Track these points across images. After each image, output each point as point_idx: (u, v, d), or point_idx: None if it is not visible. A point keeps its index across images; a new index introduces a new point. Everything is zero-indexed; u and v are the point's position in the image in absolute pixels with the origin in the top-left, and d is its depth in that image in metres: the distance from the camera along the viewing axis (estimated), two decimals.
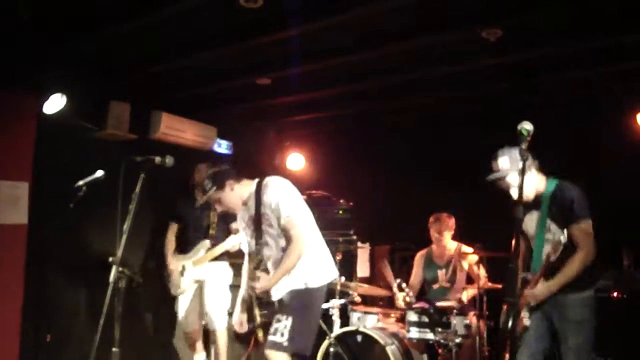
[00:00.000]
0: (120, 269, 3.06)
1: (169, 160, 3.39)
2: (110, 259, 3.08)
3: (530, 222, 3.66)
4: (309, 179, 7.01)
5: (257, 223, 3.76)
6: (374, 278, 6.44)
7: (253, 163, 6.51)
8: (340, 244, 5.67)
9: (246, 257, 4.05)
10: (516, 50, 4.57)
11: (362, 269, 6.31)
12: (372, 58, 4.91)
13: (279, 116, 6.76)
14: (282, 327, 3.58)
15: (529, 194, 3.54)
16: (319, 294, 3.77)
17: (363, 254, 6.35)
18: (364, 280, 5.95)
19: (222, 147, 6.41)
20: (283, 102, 6.15)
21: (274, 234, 3.75)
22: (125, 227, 3.13)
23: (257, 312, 3.79)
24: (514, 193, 3.48)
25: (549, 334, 3.53)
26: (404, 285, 5.18)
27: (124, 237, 3.11)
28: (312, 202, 6.37)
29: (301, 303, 3.67)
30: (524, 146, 2.35)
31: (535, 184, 3.60)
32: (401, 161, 6.64)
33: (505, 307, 2.06)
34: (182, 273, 5.19)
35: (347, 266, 5.69)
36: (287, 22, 4.13)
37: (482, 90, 5.60)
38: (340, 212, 6.29)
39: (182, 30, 4.45)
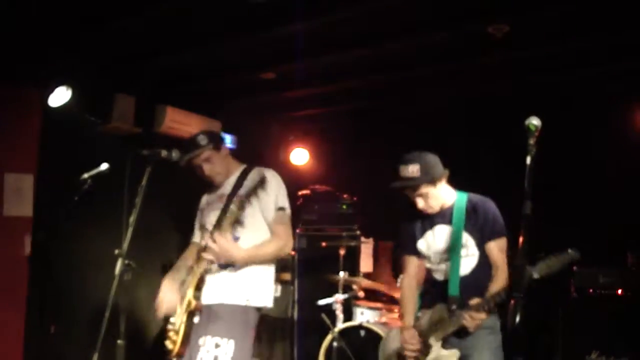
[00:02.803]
0: (126, 261, 3.07)
1: (175, 154, 3.39)
2: (116, 251, 3.09)
3: (438, 237, 3.33)
4: (313, 174, 7.02)
5: (227, 202, 3.22)
6: (378, 273, 6.45)
7: (257, 157, 6.52)
8: (343, 239, 5.67)
9: (188, 249, 3.59)
10: (523, 47, 4.56)
11: (366, 264, 6.30)
12: (377, 53, 4.91)
13: (284, 111, 6.77)
14: (223, 353, 2.91)
15: (434, 208, 3.30)
16: (256, 316, 3.19)
17: (366, 248, 6.34)
18: (367, 275, 5.96)
19: (226, 141, 6.41)
20: (288, 96, 6.15)
21: (240, 219, 3.18)
22: (131, 219, 3.14)
23: (191, 293, 3.08)
24: (420, 203, 3.27)
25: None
26: None
27: (130, 230, 3.12)
28: (315, 197, 6.44)
29: (242, 323, 3.07)
30: (531, 142, 2.33)
31: (443, 195, 3.33)
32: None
33: (512, 302, 2.06)
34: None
35: (350, 261, 5.69)
36: (293, 16, 4.13)
37: (488, 87, 5.59)
38: (344, 206, 6.29)
39: (187, 24, 4.45)
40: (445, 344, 3.17)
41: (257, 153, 6.48)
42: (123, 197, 3.30)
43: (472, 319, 3.02)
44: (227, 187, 3.38)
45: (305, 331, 5.86)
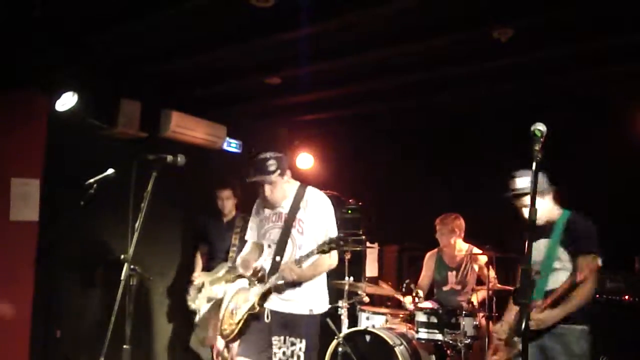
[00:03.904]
0: (132, 266, 3.07)
1: (181, 159, 3.40)
2: (122, 256, 3.09)
3: (537, 250, 3.54)
4: (318, 179, 7.01)
5: (287, 224, 3.65)
6: (382, 278, 6.44)
7: None
8: (348, 244, 5.66)
9: (247, 246, 3.94)
10: (527, 51, 4.55)
11: (371, 269, 6.30)
12: (382, 58, 4.92)
13: (289, 115, 6.77)
14: (298, 349, 3.52)
15: (540, 218, 3.43)
16: (319, 321, 3.74)
17: (372, 253, 6.34)
18: (372, 280, 5.95)
19: (231, 146, 6.41)
20: (293, 101, 6.16)
21: (298, 242, 3.62)
22: (137, 225, 3.14)
23: (257, 300, 3.58)
24: (527, 214, 3.42)
25: None
26: (412, 286, 5.18)
27: (136, 235, 3.12)
28: None
29: (309, 328, 3.62)
30: (537, 147, 2.33)
31: (549, 209, 3.57)
32: (411, 161, 6.63)
33: (518, 309, 2.05)
34: (200, 289, 5.29)
35: (355, 266, 5.68)
36: (298, 21, 4.13)
37: (493, 90, 5.59)
38: (349, 211, 6.29)
39: (193, 29, 4.47)
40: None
41: None
42: (129, 202, 3.31)
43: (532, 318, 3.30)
44: (285, 207, 3.71)
45: None
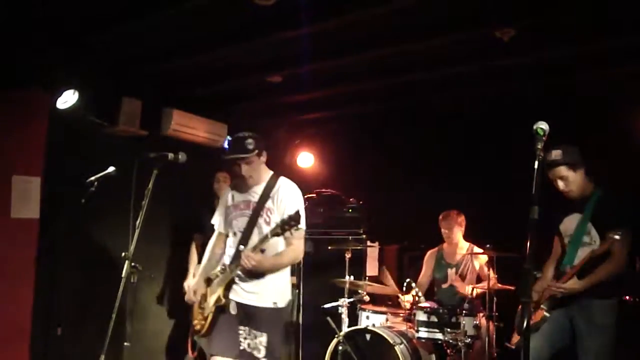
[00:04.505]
0: (133, 264, 3.08)
1: (182, 157, 3.41)
2: (123, 254, 3.10)
3: (570, 223, 3.76)
4: (318, 178, 7.01)
5: (255, 213, 3.64)
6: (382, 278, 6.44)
7: None
8: (349, 243, 5.66)
9: (213, 237, 3.93)
10: (529, 51, 4.55)
11: (371, 268, 6.29)
12: (383, 57, 4.92)
13: (290, 114, 6.77)
14: (259, 342, 3.54)
15: (574, 192, 3.67)
16: (286, 313, 3.81)
17: (372, 252, 6.33)
18: (373, 279, 5.95)
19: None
20: (294, 100, 6.16)
21: (264, 232, 3.57)
22: (138, 222, 3.15)
23: (222, 292, 3.59)
24: (560, 185, 3.65)
25: (568, 333, 3.65)
26: (413, 284, 5.18)
27: (136, 232, 3.13)
28: (321, 201, 6.44)
29: (272, 321, 3.64)
30: (539, 146, 2.34)
31: (581, 183, 3.68)
32: (411, 160, 6.63)
33: (520, 307, 2.06)
34: None
35: (356, 265, 5.67)
36: (299, 20, 4.13)
37: (494, 90, 5.59)
38: (350, 210, 6.28)
39: (194, 28, 4.47)
40: (550, 308, 3.65)
41: None
42: (129, 199, 3.32)
43: (552, 287, 3.59)
44: (255, 194, 3.70)
45: (311, 335, 5.85)
